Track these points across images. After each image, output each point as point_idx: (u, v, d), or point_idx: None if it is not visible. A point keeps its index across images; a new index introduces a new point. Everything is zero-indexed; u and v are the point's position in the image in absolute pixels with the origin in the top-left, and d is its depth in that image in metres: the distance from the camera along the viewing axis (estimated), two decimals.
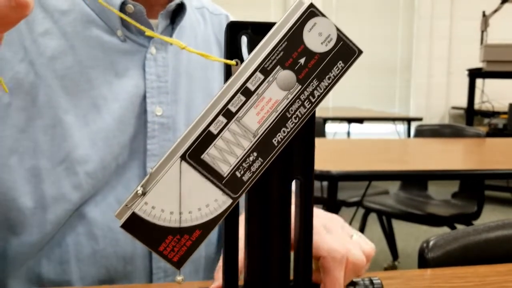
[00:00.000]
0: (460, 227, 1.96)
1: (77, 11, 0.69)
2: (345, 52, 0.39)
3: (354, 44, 0.39)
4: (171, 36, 0.75)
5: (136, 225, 0.39)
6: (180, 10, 0.75)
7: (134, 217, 0.39)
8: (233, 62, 0.40)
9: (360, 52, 0.40)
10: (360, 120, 3.90)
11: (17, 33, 0.66)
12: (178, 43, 0.39)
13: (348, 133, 4.58)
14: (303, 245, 0.44)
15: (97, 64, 0.69)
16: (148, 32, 0.39)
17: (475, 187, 2.29)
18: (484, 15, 3.33)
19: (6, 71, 0.65)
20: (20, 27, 0.66)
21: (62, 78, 0.67)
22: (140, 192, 0.39)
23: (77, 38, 0.69)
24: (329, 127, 4.22)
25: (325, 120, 3.35)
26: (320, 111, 3.67)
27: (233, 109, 0.39)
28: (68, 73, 0.68)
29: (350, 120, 4.11)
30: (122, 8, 0.69)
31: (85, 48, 0.69)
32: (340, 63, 0.39)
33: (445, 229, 2.22)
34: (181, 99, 0.75)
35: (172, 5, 0.73)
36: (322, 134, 3.04)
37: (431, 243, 0.79)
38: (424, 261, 0.78)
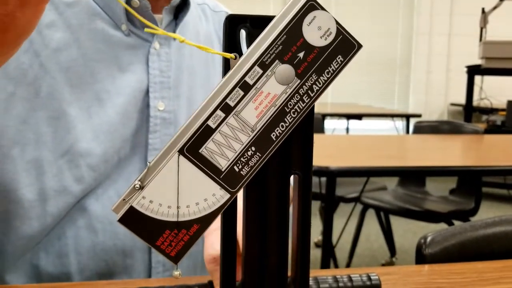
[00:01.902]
0: (457, 223, 1.96)
1: (83, 4, 0.69)
2: (344, 46, 0.39)
3: (353, 38, 0.39)
4: (174, 31, 0.75)
5: (133, 219, 0.39)
6: (183, 6, 0.75)
7: (131, 211, 0.39)
8: (231, 55, 0.40)
9: (360, 46, 0.39)
10: (359, 117, 3.90)
11: None
12: (177, 37, 0.39)
13: (347, 129, 4.58)
14: (301, 240, 0.43)
15: (101, 57, 0.69)
16: (148, 29, 0.39)
17: (472, 183, 2.29)
18: (483, 11, 3.33)
19: (10, 60, 0.65)
20: None
21: (66, 70, 0.67)
22: (138, 186, 0.39)
23: (82, 30, 0.68)
24: (328, 123, 4.22)
25: (324, 116, 3.35)
26: (319, 107, 3.68)
27: (232, 103, 0.38)
28: (72, 65, 0.68)
29: (349, 116, 4.11)
30: (128, 2, 0.69)
31: (90, 41, 0.69)
32: (339, 57, 0.39)
33: (443, 225, 2.22)
34: (183, 94, 0.75)
35: (176, 0, 0.73)
36: (321, 130, 3.04)
37: (428, 239, 0.79)
38: (421, 257, 0.78)
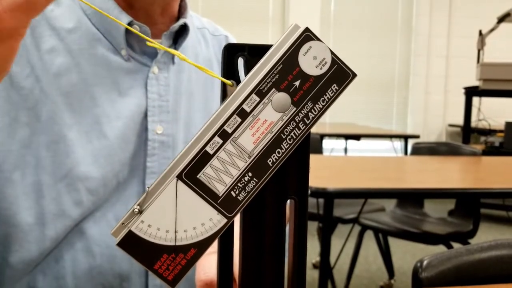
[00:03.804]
0: (456, 245, 1.96)
1: (83, 30, 0.71)
2: (339, 75, 0.40)
3: (348, 68, 0.40)
4: (173, 57, 0.76)
5: (132, 243, 0.39)
6: (183, 31, 0.76)
7: (130, 235, 0.39)
8: (229, 82, 0.41)
9: (354, 75, 0.40)
10: (357, 137, 3.92)
11: (24, 49, 0.67)
12: (177, 53, 0.40)
13: (345, 149, 4.59)
14: (297, 265, 0.44)
15: (101, 82, 0.70)
16: (150, 43, 0.40)
17: (471, 205, 2.29)
18: (480, 34, 3.37)
19: (12, 86, 0.66)
20: (27, 43, 0.67)
21: (67, 95, 0.68)
22: (136, 210, 0.39)
23: (82, 56, 0.70)
24: (326, 143, 4.23)
25: (322, 136, 3.37)
26: (317, 127, 3.69)
27: (229, 130, 0.39)
28: (73, 90, 0.69)
29: (347, 137, 4.13)
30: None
31: (90, 66, 0.70)
32: (334, 86, 0.40)
33: (442, 247, 2.22)
34: (181, 118, 0.76)
35: (175, 26, 0.74)
36: (319, 150, 3.05)
37: (424, 262, 0.79)
38: (418, 281, 0.78)
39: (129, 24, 0.70)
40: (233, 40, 0.89)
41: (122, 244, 0.39)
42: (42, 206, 0.67)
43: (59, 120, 0.67)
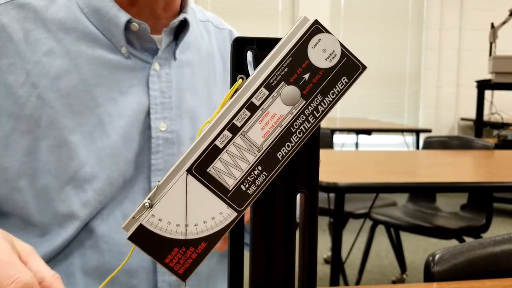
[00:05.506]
0: (468, 239, 1.95)
1: (81, 30, 0.70)
2: (349, 67, 0.40)
3: (358, 60, 0.40)
4: (174, 51, 0.75)
5: (143, 237, 0.40)
6: (183, 26, 0.76)
7: (141, 229, 0.39)
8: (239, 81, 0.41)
9: (364, 67, 0.40)
10: (368, 131, 3.90)
11: (18, 56, 0.67)
12: None
13: (357, 144, 4.58)
14: (308, 258, 0.44)
15: (101, 81, 0.70)
16: None
17: (483, 199, 2.27)
18: (492, 26, 3.33)
19: (8, 96, 0.66)
20: (21, 50, 0.67)
21: (67, 97, 0.68)
22: (147, 204, 0.39)
23: (81, 56, 0.69)
24: (337, 138, 4.22)
25: (332, 131, 3.35)
26: (328, 122, 3.68)
27: (239, 124, 0.39)
28: (73, 92, 0.68)
29: (358, 131, 4.11)
30: (127, 26, 0.70)
31: (89, 66, 0.69)
32: (344, 79, 0.40)
33: (454, 242, 2.20)
34: (185, 114, 0.76)
35: (175, 22, 0.74)
36: (330, 145, 3.04)
37: (437, 256, 0.78)
38: (430, 275, 0.78)
39: (128, 21, 0.70)
40: (237, 35, 0.88)
41: (133, 238, 0.40)
42: (54, 207, 0.68)
43: (59, 124, 0.67)
